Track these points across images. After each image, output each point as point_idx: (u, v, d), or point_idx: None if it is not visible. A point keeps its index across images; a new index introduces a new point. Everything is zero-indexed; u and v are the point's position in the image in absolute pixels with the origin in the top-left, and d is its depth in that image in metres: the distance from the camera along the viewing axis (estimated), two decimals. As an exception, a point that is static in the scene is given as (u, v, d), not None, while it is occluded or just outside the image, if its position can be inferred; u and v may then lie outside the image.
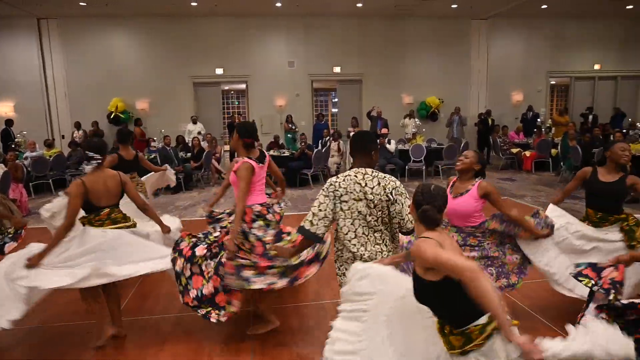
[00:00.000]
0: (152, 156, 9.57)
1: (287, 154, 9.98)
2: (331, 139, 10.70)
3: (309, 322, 3.54)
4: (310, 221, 2.33)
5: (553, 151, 10.46)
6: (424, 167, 10.00)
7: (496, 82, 13.62)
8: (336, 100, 13.93)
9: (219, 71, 12.52)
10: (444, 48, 13.23)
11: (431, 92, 13.20)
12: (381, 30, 12.86)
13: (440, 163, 10.16)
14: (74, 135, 11.41)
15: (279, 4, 11.12)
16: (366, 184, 2.30)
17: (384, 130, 10.41)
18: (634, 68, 14.22)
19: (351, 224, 2.33)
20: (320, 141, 10.99)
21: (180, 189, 9.19)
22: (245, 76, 12.67)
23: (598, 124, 12.30)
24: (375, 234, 2.36)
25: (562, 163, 9.65)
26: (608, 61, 14.12)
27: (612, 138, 8.78)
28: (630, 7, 12.30)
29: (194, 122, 11.82)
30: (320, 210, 2.32)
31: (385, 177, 2.35)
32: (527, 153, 10.87)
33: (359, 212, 2.31)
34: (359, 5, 11.30)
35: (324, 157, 9.85)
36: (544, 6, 12.01)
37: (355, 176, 2.32)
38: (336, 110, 14.12)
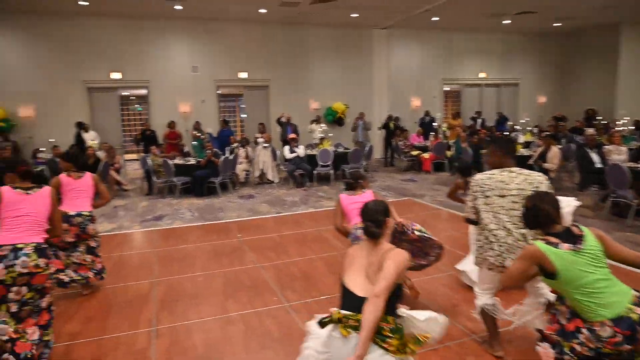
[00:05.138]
0: (40, 168, 8.66)
1: (192, 161, 9.63)
2: (239, 145, 10.54)
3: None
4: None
5: (448, 152, 11.31)
6: (331, 172, 10.24)
7: (396, 89, 14.44)
8: (244, 106, 13.76)
9: (116, 76, 11.70)
10: (348, 55, 13.74)
11: (337, 97, 13.61)
12: (284, 37, 12.99)
13: (347, 167, 10.47)
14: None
15: (179, 7, 10.69)
16: (511, 181, 2.65)
17: (293, 136, 10.49)
18: (512, 76, 15.98)
19: (493, 216, 2.66)
20: (226, 148, 10.77)
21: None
22: (144, 81, 12.00)
23: (485, 126, 13.55)
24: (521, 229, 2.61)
25: (456, 163, 10.47)
26: (491, 70, 15.69)
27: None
28: (507, 22, 13.79)
29: (86, 131, 10.86)
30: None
31: (531, 173, 2.66)
32: (426, 155, 11.63)
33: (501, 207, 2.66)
34: (262, 11, 11.31)
35: (231, 164, 9.66)
36: (435, 18, 12.99)
37: (501, 175, 2.70)
38: (244, 116, 13.95)
